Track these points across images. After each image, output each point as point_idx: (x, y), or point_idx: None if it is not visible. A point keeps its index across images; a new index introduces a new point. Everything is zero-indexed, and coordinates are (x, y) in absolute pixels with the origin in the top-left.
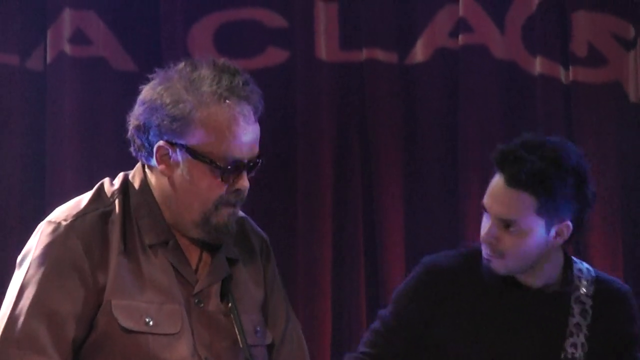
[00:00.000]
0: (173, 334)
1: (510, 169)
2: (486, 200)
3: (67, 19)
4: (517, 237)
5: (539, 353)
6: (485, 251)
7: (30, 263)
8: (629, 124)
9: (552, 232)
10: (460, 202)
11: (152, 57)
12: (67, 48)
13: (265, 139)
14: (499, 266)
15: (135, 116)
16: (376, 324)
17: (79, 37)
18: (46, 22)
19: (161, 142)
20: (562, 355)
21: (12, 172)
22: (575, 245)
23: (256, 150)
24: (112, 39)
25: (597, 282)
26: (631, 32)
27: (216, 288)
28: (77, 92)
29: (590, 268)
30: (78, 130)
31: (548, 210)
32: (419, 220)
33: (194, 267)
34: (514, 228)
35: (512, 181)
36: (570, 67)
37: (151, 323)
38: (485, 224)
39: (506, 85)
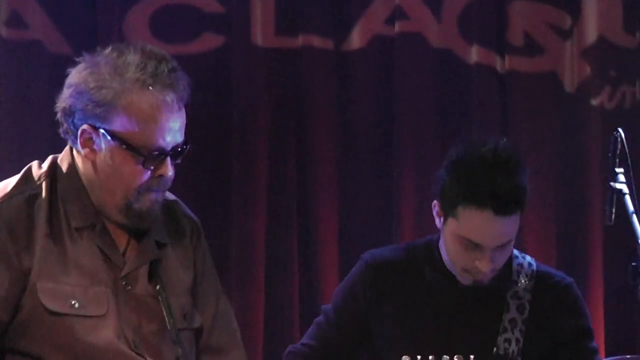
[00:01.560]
0: (99, 316)
1: (498, 200)
2: (476, 236)
3: (4, 1)
4: (508, 250)
5: (473, 348)
6: (479, 277)
7: None
8: (564, 114)
9: None
10: (394, 188)
11: (88, 41)
12: (3, 31)
13: (200, 124)
14: (486, 279)
15: (62, 99)
16: (320, 318)
17: (15, 20)
18: None
19: (85, 126)
20: (494, 351)
21: None
22: None
23: (181, 137)
24: (48, 22)
25: (537, 276)
26: (568, 22)
27: (144, 271)
28: (12, 75)
29: (533, 262)
30: (12, 113)
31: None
32: (352, 207)
33: (121, 250)
34: (508, 245)
35: (506, 210)
36: (507, 56)
37: (77, 305)
38: (471, 254)
39: (442, 74)
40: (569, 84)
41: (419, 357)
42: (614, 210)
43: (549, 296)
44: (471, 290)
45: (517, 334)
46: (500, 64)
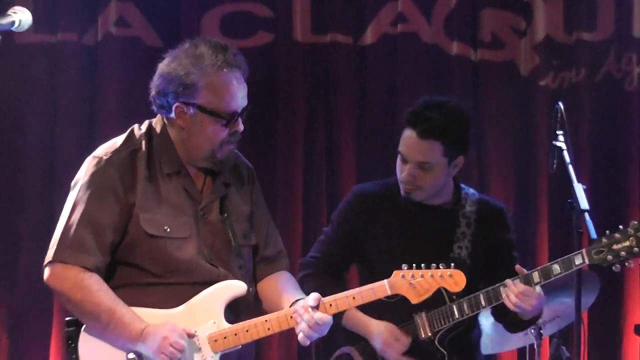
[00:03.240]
0: (184, 238)
1: (421, 125)
2: (404, 149)
3: (113, 8)
4: (431, 174)
5: (434, 253)
6: (405, 187)
7: (80, 187)
8: (520, 92)
9: (452, 166)
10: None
11: (174, 36)
12: (113, 29)
13: (253, 99)
14: (418, 196)
15: (155, 85)
16: (322, 237)
17: (122, 22)
18: (97, 10)
19: (178, 103)
20: (451, 255)
21: (68, 126)
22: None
23: (245, 102)
24: (145, 22)
25: (479, 202)
26: (523, 24)
27: (216, 204)
28: (119, 63)
29: (475, 192)
30: (119, 91)
31: (450, 151)
32: (366, 159)
33: (199, 189)
34: (428, 167)
35: (424, 134)
36: (479, 50)
37: (168, 230)
38: (403, 167)
39: (431, 63)
40: (524, 70)
41: (405, 266)
42: (555, 162)
43: (489, 216)
44: (434, 211)
45: (467, 243)
46: (474, 55)
